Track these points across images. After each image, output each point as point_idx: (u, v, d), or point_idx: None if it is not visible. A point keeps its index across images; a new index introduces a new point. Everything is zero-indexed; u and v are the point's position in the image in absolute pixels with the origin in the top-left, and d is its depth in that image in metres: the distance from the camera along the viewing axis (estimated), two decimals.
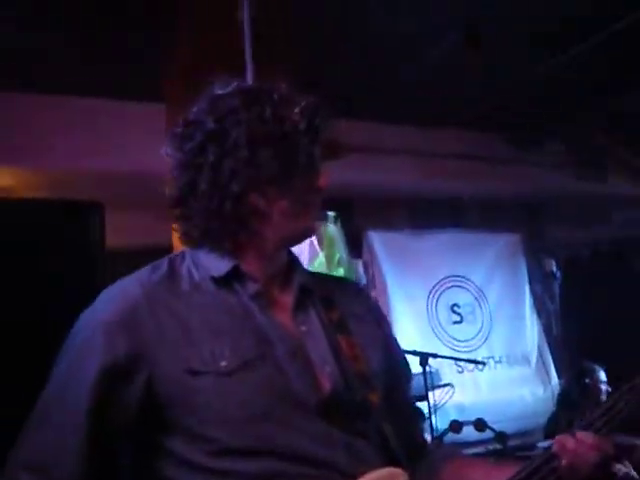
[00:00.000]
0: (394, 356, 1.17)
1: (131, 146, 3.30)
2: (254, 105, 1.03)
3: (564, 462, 0.97)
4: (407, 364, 1.23)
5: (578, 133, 4.35)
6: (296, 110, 1.05)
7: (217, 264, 1.03)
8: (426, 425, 3.43)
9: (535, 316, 4.90)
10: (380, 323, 1.18)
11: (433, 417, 3.46)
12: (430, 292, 4.62)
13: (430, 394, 3.45)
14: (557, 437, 1.00)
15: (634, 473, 3.63)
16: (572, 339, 4.79)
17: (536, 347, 4.86)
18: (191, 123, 1.05)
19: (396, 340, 1.20)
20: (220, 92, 1.06)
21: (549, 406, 4.29)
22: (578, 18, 3.15)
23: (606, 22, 3.23)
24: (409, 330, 4.36)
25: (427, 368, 3.45)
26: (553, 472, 0.98)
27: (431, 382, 3.47)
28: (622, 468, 3.83)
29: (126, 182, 3.63)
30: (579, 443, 0.98)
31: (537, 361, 4.84)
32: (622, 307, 4.67)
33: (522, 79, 3.73)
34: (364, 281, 4.20)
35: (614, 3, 3.09)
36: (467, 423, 3.26)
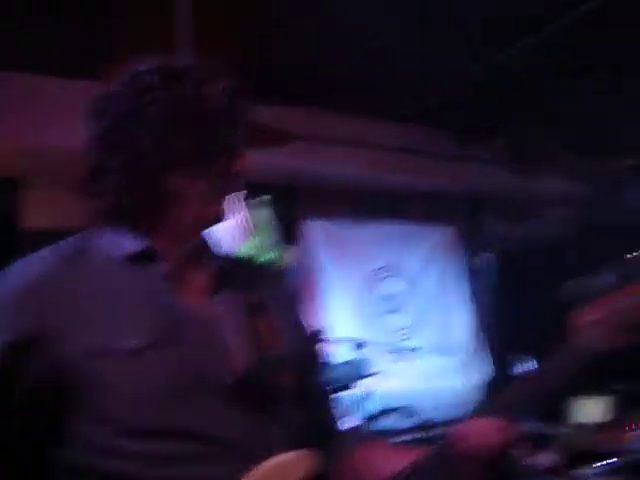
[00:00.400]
0: (306, 341, 1.18)
1: (56, 123, 3.16)
2: (173, 83, 1.01)
3: (459, 448, 1.00)
4: (319, 349, 1.25)
5: (515, 130, 4.44)
6: (217, 91, 1.03)
7: (128, 243, 1.01)
8: (355, 412, 3.48)
9: (469, 308, 5.01)
10: (294, 308, 1.18)
11: (363, 404, 3.51)
12: (365, 281, 4.67)
13: (361, 382, 3.50)
14: (456, 424, 1.03)
15: (543, 461, 3.76)
16: (505, 331, 4.91)
17: (469, 338, 4.97)
18: (108, 98, 1.03)
19: (307, 326, 1.21)
20: (140, 69, 1.04)
21: (480, 396, 4.41)
22: (516, 17, 3.21)
23: (543, 22, 3.31)
24: (343, 318, 4.40)
25: (359, 356, 3.49)
26: (449, 457, 1.01)
27: (362, 370, 3.51)
28: (524, 455, 3.97)
29: (50, 160, 3.48)
30: (475, 429, 1.01)
31: (469, 352, 4.95)
32: (554, 301, 4.80)
33: (463, 76, 3.79)
34: (298, 267, 4.21)
35: (550, 3, 3.16)
36: (394, 411, 3.32)
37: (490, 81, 3.85)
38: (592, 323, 1.08)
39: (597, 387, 4.55)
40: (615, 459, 4.12)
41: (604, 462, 4.11)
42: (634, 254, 1.26)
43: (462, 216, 4.97)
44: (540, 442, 3.88)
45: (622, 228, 5.34)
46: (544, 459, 3.83)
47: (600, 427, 4.43)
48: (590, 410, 4.57)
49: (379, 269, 4.73)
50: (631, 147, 4.86)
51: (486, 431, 1.01)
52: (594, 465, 4.14)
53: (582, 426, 4.50)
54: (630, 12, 3.21)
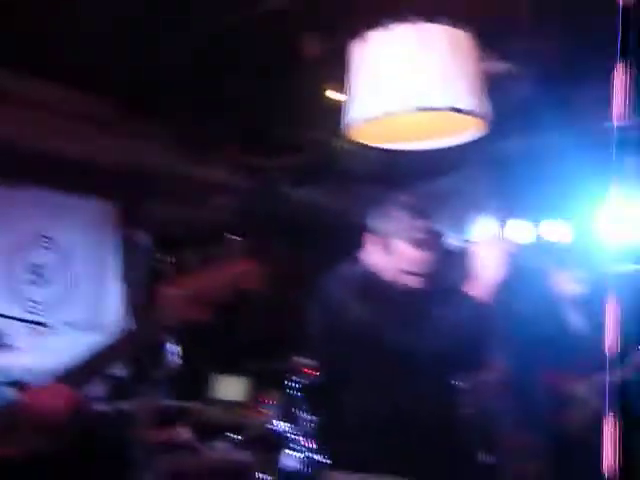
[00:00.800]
0: None
1: None
2: None
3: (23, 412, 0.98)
4: None
5: (186, 113, 4.51)
6: None
7: None
8: None
9: (120, 285, 4.95)
10: None
11: None
12: (10, 250, 4.34)
13: None
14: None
15: (176, 436, 3.91)
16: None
17: (119, 316, 4.92)
18: None
19: None
20: None
21: None
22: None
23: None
24: None
25: None
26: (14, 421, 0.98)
27: None
28: (183, 433, 4.11)
29: None
30: (39, 394, 0.99)
31: (117, 329, 4.89)
32: None
33: (143, 50, 3.72)
34: None
35: None
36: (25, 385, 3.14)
37: (169, 60, 3.86)
38: (175, 297, 1.14)
39: (234, 366, 4.86)
40: (246, 434, 4.45)
41: (236, 436, 4.41)
42: (231, 236, 1.36)
43: (122, 192, 4.89)
44: (174, 417, 4.01)
45: (282, 220, 5.81)
46: (178, 434, 3.97)
47: (235, 404, 4.73)
48: (227, 388, 4.86)
49: (27, 237, 4.43)
50: (294, 146, 5.28)
51: (50, 397, 1.00)
52: (226, 439, 4.41)
53: (218, 402, 4.77)
54: None
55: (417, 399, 2.16)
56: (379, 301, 2.18)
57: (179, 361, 4.38)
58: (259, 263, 1.38)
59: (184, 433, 4.08)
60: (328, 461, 2.33)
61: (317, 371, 2.53)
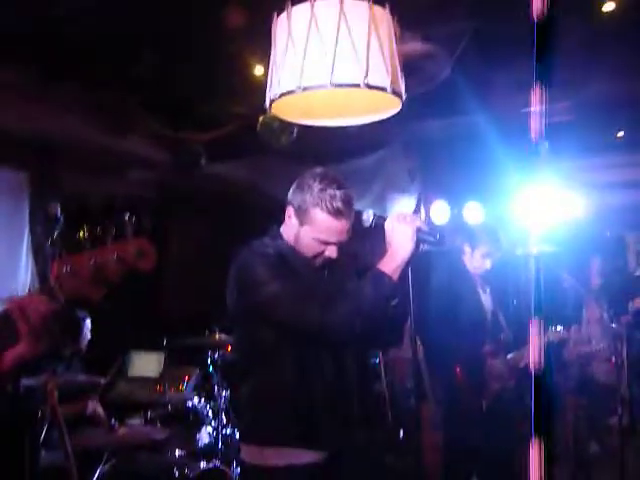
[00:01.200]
0: None
1: None
2: None
3: None
4: None
5: (108, 85, 4.36)
6: None
7: None
8: None
9: (31, 258, 4.79)
10: None
11: None
12: None
13: None
14: None
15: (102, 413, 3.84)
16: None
17: (28, 287, 4.76)
18: None
19: None
20: None
21: None
22: None
23: None
24: None
25: None
26: None
27: None
28: (96, 409, 4.03)
29: None
30: None
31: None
32: None
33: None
34: None
35: None
36: None
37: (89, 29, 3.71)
38: (66, 274, 1.11)
39: (152, 343, 4.80)
40: (162, 410, 4.41)
41: (152, 412, 4.36)
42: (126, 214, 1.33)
43: (36, 162, 4.69)
44: (87, 393, 3.93)
45: (200, 193, 5.73)
46: (89, 410, 3.89)
47: (151, 380, 4.68)
48: (143, 364, 4.79)
49: None
50: (215, 120, 5.20)
51: None
52: (141, 415, 4.36)
53: (134, 379, 4.71)
54: None
55: (332, 374, 2.19)
56: (295, 276, 2.19)
57: (92, 337, 4.29)
58: (153, 242, 1.36)
59: (96, 409, 4.00)
60: (243, 436, 2.34)
61: (233, 347, 2.52)
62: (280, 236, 2.31)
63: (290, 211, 2.26)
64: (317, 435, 2.15)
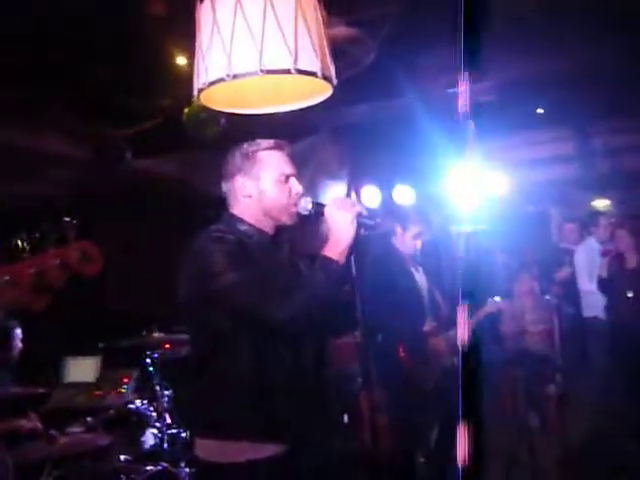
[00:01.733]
0: None
1: None
2: None
3: None
4: None
5: (20, 78, 4.16)
6: None
7: None
8: None
9: None
10: None
11: None
12: None
13: None
14: None
15: (23, 424, 3.69)
16: None
17: None
18: None
19: None
20: None
21: None
22: None
23: None
24: None
25: None
26: None
27: None
28: (30, 421, 3.87)
29: None
30: None
31: None
32: None
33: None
34: None
35: None
36: None
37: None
38: (5, 285, 1.05)
39: (87, 347, 4.65)
40: (103, 415, 4.28)
41: (92, 418, 4.23)
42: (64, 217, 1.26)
43: None
44: (21, 405, 3.77)
45: (127, 189, 5.57)
46: (23, 423, 3.73)
47: (89, 386, 4.53)
48: (79, 370, 4.64)
49: None
50: (139, 114, 5.05)
51: None
52: (81, 422, 4.22)
53: (71, 385, 4.55)
54: None
55: (291, 363, 2.16)
56: (254, 263, 2.14)
57: (22, 345, 4.13)
58: (94, 244, 1.30)
59: (31, 421, 3.84)
60: (199, 431, 2.27)
61: (189, 339, 2.46)
62: (236, 218, 2.25)
63: (239, 181, 2.23)
64: (277, 426, 2.12)
